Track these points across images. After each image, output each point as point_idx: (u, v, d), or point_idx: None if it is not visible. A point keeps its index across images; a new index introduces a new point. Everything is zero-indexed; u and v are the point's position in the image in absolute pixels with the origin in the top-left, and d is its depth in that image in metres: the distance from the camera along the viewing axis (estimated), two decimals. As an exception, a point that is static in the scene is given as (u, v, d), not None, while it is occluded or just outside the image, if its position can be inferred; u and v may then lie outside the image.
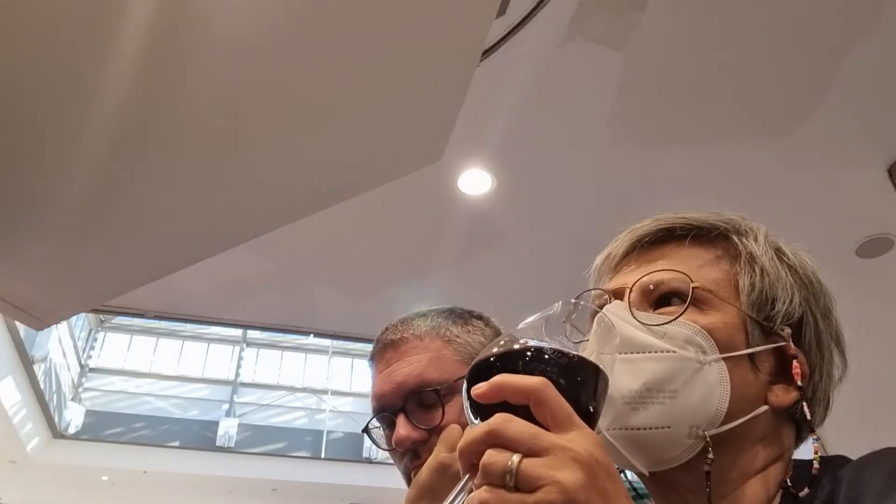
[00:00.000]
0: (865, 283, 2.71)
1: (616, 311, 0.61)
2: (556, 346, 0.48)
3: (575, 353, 0.49)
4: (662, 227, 0.67)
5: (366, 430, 0.91)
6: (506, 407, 0.44)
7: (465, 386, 0.49)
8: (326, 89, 1.39)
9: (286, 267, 2.81)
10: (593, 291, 0.67)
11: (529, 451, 0.41)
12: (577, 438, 0.42)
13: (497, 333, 0.95)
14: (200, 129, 1.43)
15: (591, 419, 0.47)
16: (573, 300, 0.58)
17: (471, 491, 0.44)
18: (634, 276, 0.64)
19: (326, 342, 11.52)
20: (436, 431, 0.82)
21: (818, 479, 0.56)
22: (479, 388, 0.45)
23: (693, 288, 0.60)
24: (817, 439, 0.60)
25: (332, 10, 1.22)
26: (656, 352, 0.58)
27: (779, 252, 0.65)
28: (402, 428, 0.83)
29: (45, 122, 1.33)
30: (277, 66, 1.31)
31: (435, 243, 2.70)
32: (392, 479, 0.98)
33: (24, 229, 1.64)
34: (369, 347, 0.95)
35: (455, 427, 0.81)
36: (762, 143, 2.20)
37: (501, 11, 1.64)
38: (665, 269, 0.63)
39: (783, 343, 0.61)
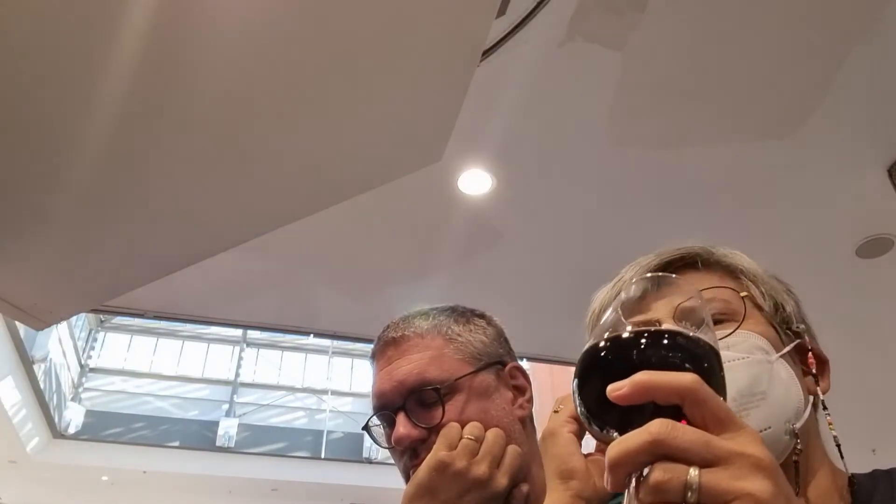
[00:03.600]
0: (865, 283, 2.72)
1: None
2: (675, 328, 0.42)
3: (697, 335, 0.42)
4: (666, 261, 0.69)
5: (366, 427, 0.91)
6: (642, 409, 0.39)
7: (575, 383, 0.43)
8: (327, 89, 1.39)
9: (286, 267, 2.81)
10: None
11: (704, 462, 0.36)
12: (749, 441, 0.38)
13: (499, 332, 0.95)
14: (200, 129, 1.43)
15: None
16: (649, 274, 0.56)
17: None
18: (669, 305, 0.59)
19: (326, 342, 11.53)
20: (435, 430, 0.81)
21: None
22: (619, 388, 0.39)
23: (743, 297, 0.64)
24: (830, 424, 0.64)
25: (332, 9, 1.22)
26: (729, 361, 0.57)
27: (756, 266, 0.70)
28: (402, 426, 0.83)
29: (46, 121, 1.33)
30: (278, 66, 1.31)
31: (435, 243, 2.70)
32: (392, 479, 0.98)
33: (24, 229, 1.64)
34: (369, 348, 0.95)
35: (454, 425, 0.81)
36: (762, 144, 2.20)
37: (501, 11, 1.64)
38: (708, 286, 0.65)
39: (801, 340, 0.65)
